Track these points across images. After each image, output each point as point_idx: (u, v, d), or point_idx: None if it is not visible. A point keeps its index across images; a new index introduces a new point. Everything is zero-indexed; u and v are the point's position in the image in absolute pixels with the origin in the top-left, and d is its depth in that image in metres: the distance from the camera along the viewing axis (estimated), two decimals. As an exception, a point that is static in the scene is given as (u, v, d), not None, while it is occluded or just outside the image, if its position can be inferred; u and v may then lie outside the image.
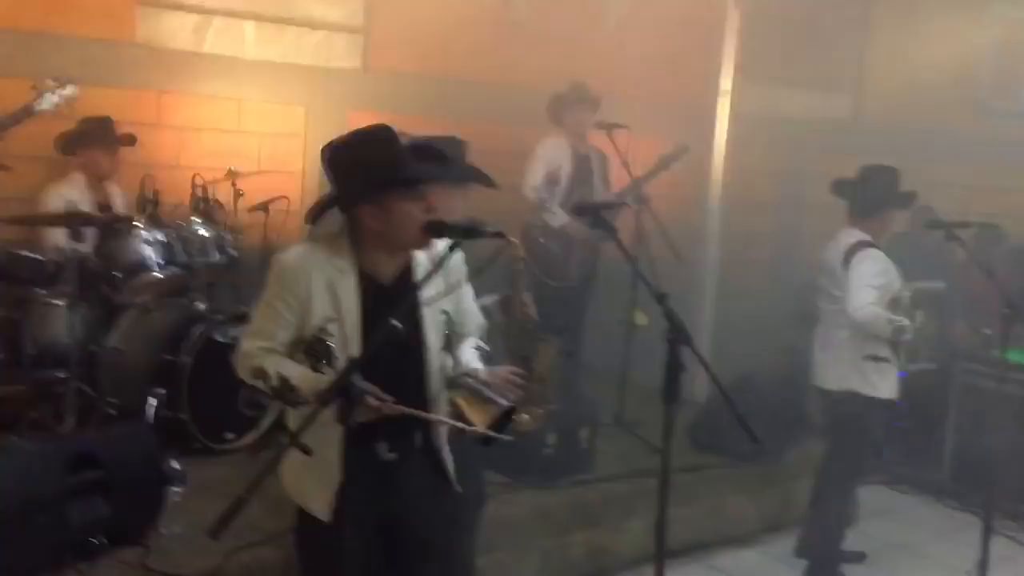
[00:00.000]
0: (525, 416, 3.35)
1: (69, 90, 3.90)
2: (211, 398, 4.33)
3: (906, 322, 4.10)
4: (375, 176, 2.44)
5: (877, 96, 7.78)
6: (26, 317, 4.36)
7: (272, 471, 2.20)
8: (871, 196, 4.19)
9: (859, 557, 4.65)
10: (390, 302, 2.39)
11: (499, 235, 2.55)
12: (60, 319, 4.29)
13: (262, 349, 2.49)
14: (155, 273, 4.37)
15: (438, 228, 2.48)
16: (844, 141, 6.83)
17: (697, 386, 5.25)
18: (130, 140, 4.90)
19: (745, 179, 6.46)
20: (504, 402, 2.54)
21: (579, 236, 5.23)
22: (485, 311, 3.42)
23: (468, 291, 2.79)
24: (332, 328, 2.46)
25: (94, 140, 4.77)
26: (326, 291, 2.46)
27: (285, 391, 2.35)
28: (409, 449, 2.57)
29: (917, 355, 4.36)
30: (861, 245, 4.13)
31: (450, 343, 2.64)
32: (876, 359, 4.15)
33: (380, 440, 2.52)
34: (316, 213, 2.53)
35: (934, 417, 5.66)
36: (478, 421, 2.46)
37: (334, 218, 2.57)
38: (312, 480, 2.51)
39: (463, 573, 2.79)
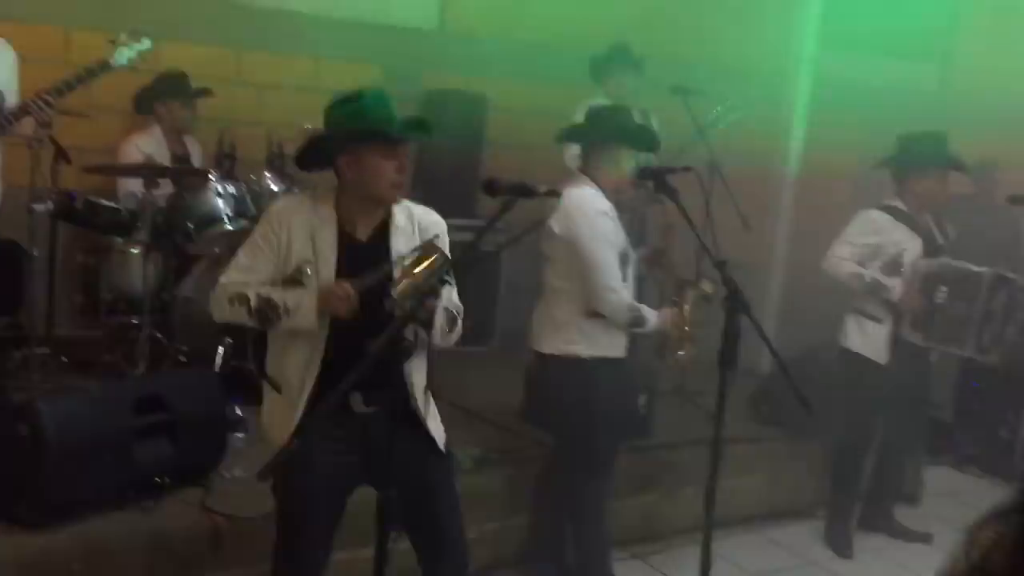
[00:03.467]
0: (681, 352, 3.67)
1: (144, 44, 3.97)
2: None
3: (885, 282, 4.11)
4: (354, 128, 2.60)
5: (966, 67, 7.49)
6: (103, 264, 4.54)
7: (314, 420, 2.26)
8: (900, 162, 4.20)
9: (926, 538, 4.56)
10: (364, 256, 2.62)
11: (553, 193, 2.55)
12: (135, 267, 4.44)
13: (240, 281, 2.68)
14: (227, 225, 4.47)
15: (489, 186, 2.51)
16: (930, 113, 6.61)
17: (762, 357, 5.17)
18: (206, 93, 5.00)
19: (824, 149, 6.30)
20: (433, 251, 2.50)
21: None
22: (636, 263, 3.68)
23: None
24: (308, 269, 2.63)
25: (170, 94, 4.89)
26: (307, 237, 2.64)
27: (265, 307, 2.57)
28: (386, 404, 2.60)
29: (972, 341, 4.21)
30: (875, 208, 4.23)
31: None
32: (863, 314, 4.22)
33: (355, 392, 2.57)
34: (302, 159, 2.75)
35: (1008, 399, 5.51)
36: (414, 271, 2.43)
37: None
38: (280, 416, 2.65)
39: (439, 533, 2.80)
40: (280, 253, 2.64)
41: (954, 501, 5.12)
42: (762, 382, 5.03)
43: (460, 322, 2.73)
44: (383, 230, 2.70)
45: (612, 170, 3.47)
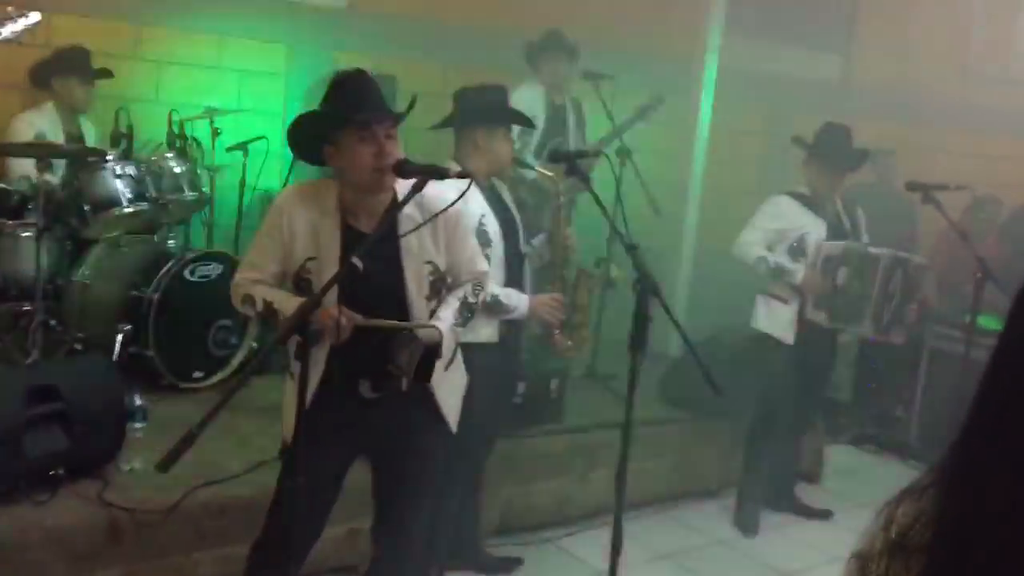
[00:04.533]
0: (568, 342, 3.57)
1: (32, 18, 3.79)
2: (180, 336, 4.31)
3: (789, 266, 4.25)
4: (327, 112, 2.55)
5: (868, 58, 7.70)
6: (-7, 248, 4.31)
7: (222, 408, 2.18)
8: (815, 146, 4.32)
9: (825, 515, 4.70)
10: (369, 250, 2.43)
11: (465, 175, 2.51)
12: (27, 251, 4.22)
13: (251, 280, 2.65)
14: (125, 208, 4.30)
15: (400, 167, 2.48)
16: (834, 102, 6.78)
17: (671, 340, 5.25)
18: (106, 74, 4.79)
19: (731, 136, 6.41)
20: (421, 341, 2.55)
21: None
22: (535, 250, 3.63)
23: (463, 237, 2.76)
24: (312, 266, 2.57)
25: (69, 71, 4.66)
26: (309, 231, 2.57)
27: (269, 315, 2.60)
28: (395, 390, 2.57)
29: (863, 319, 4.35)
30: (783, 194, 4.36)
31: (437, 291, 2.67)
32: (771, 296, 4.37)
33: (363, 378, 2.59)
34: (294, 147, 2.64)
35: (903, 379, 5.72)
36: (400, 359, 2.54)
37: None
38: (289, 405, 2.57)
39: (422, 503, 2.79)
40: (284, 248, 2.59)
41: (853, 479, 5.30)
42: (671, 365, 5.09)
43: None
44: (390, 220, 2.56)
45: (483, 155, 3.33)
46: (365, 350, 2.50)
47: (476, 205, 3.22)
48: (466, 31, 5.88)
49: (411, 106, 2.58)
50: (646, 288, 2.82)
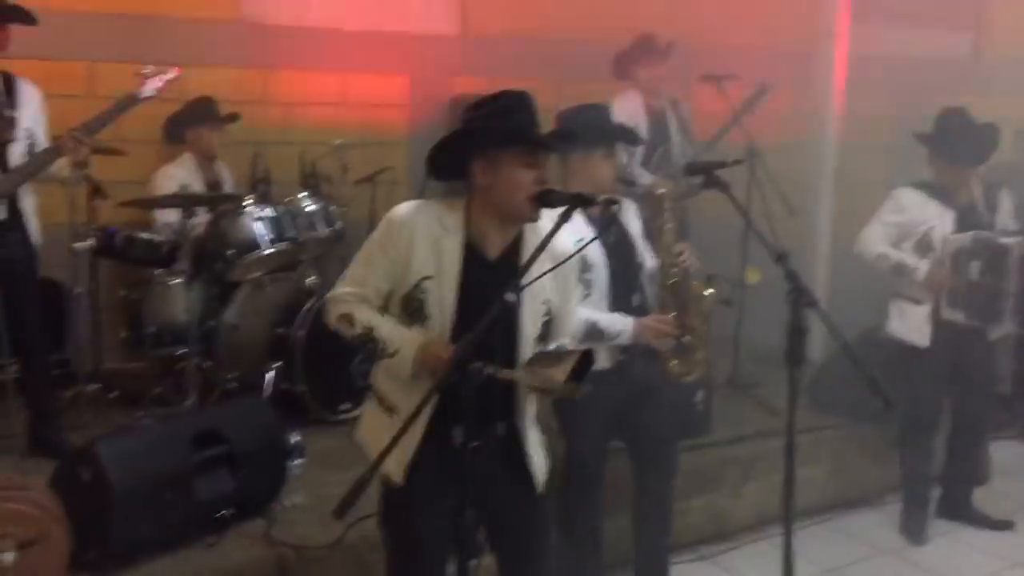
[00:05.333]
0: (674, 361, 3.34)
1: (171, 75, 3.93)
2: (325, 369, 4.40)
3: (910, 262, 4.01)
4: (492, 127, 2.38)
5: (998, 33, 7.31)
6: (145, 297, 4.52)
7: (391, 449, 2.18)
8: (935, 140, 4.09)
9: (1006, 525, 4.41)
10: (491, 277, 2.35)
11: (612, 202, 2.46)
12: (177, 297, 4.43)
13: (353, 295, 2.48)
14: (265, 249, 4.44)
15: (547, 197, 2.39)
16: (964, 81, 6.46)
17: (813, 344, 5.08)
18: (234, 118, 4.97)
19: (860, 125, 6.17)
20: (574, 350, 2.41)
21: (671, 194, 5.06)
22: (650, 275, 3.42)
23: (574, 286, 2.65)
24: (429, 285, 2.41)
25: (199, 120, 4.86)
26: (430, 248, 2.41)
27: (367, 341, 2.39)
28: (490, 439, 2.44)
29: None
30: (906, 186, 4.13)
31: (545, 336, 2.52)
32: (902, 297, 4.14)
33: (458, 425, 2.34)
34: (436, 164, 2.46)
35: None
36: (554, 377, 2.32)
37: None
38: (382, 436, 2.36)
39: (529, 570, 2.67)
40: (399, 264, 2.40)
41: (1023, 476, 5.00)
42: (818, 370, 4.92)
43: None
44: (515, 249, 2.45)
45: (582, 179, 3.16)
46: (461, 396, 2.23)
47: (574, 230, 3.01)
48: (576, 45, 5.84)
49: (571, 135, 2.49)
50: (801, 299, 2.72)
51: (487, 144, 2.37)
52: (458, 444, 2.30)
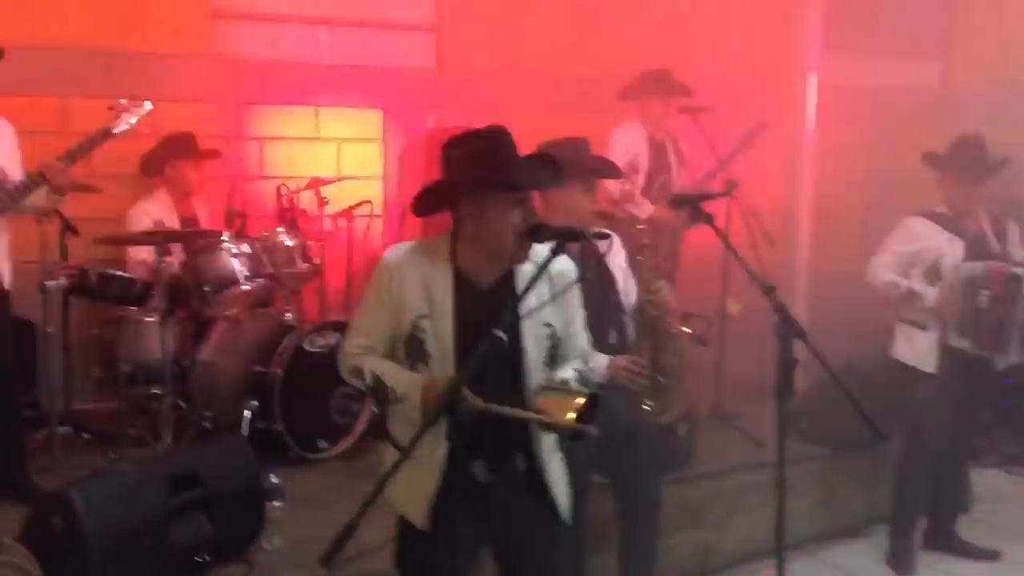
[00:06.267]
0: (649, 403, 3.30)
1: (145, 108, 3.88)
2: (303, 407, 4.33)
3: (920, 289, 4.03)
4: (474, 174, 2.36)
5: (967, 63, 7.42)
6: (119, 335, 4.42)
7: (379, 492, 2.13)
8: (945, 165, 4.12)
9: (992, 555, 4.39)
10: (486, 306, 2.35)
11: (603, 236, 2.43)
12: (152, 335, 4.33)
13: (360, 347, 2.50)
14: (243, 285, 4.37)
15: (537, 232, 2.37)
16: (935, 111, 6.54)
17: (797, 373, 5.05)
18: (213, 154, 4.92)
19: (836, 155, 6.21)
20: (584, 390, 2.39)
21: (666, 226, 5.08)
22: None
23: (577, 306, 2.61)
24: (425, 325, 2.41)
25: (178, 155, 4.79)
26: (421, 286, 2.42)
27: (379, 389, 2.40)
28: (510, 471, 2.45)
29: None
30: (916, 215, 4.14)
31: (553, 359, 2.50)
32: (909, 323, 4.15)
33: (478, 459, 2.42)
34: (419, 204, 2.46)
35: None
36: (561, 415, 2.31)
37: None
38: (411, 487, 2.43)
39: None
40: (394, 309, 2.42)
41: (1005, 506, 5.00)
42: (803, 399, 4.89)
43: None
44: (508, 276, 2.44)
45: (559, 212, 3.13)
46: (479, 429, 2.28)
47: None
48: (551, 81, 5.85)
49: (557, 172, 2.47)
50: (789, 332, 2.71)
51: (470, 191, 2.36)
52: (479, 479, 2.34)
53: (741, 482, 4.23)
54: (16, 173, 3.77)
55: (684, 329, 3.33)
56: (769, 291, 2.76)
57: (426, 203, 2.44)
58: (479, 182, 2.34)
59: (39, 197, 3.74)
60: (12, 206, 3.72)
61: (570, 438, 2.40)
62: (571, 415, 2.28)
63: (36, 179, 3.67)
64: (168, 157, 4.79)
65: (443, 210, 2.46)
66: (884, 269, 4.12)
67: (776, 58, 5.97)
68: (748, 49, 6.13)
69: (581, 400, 2.30)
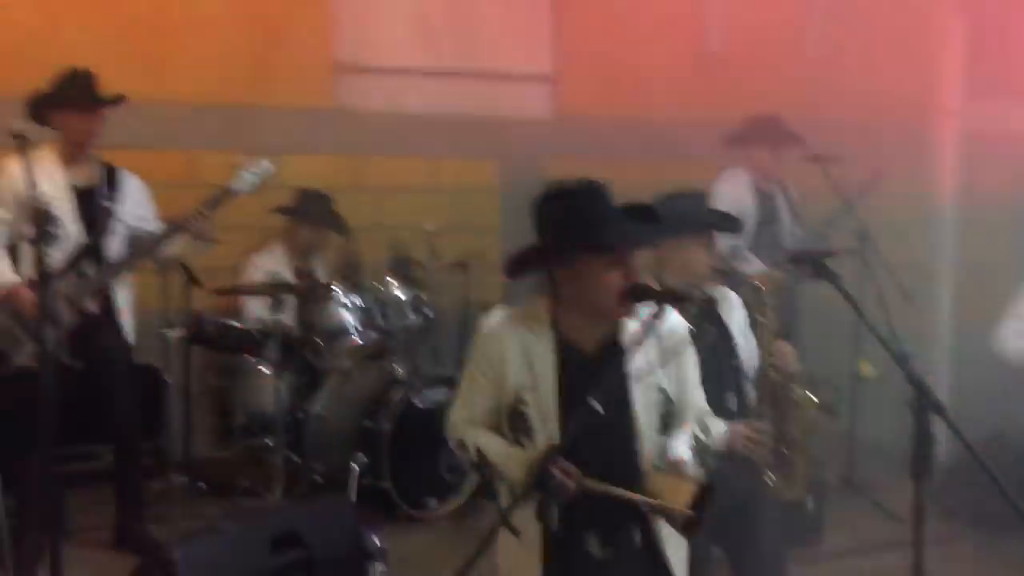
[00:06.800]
0: (772, 476, 3.08)
1: (264, 166, 3.92)
2: (411, 463, 4.26)
3: None
4: (565, 237, 2.26)
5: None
6: (235, 385, 4.48)
7: (484, 551, 2.02)
8: None
9: None
10: (592, 373, 2.22)
11: (709, 301, 2.27)
12: (266, 386, 4.37)
13: (465, 420, 2.45)
14: (354, 338, 4.36)
15: (639, 293, 2.25)
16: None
17: (938, 445, 4.68)
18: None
19: (977, 204, 5.82)
20: (699, 479, 2.24)
21: (781, 285, 4.80)
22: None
23: (691, 365, 2.47)
24: (528, 397, 2.31)
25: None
26: (522, 358, 2.32)
27: (482, 465, 2.35)
28: (626, 547, 2.31)
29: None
30: None
31: (667, 425, 2.36)
32: None
33: (591, 533, 2.29)
34: (513, 268, 2.38)
35: None
36: (673, 501, 2.17)
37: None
38: (518, 561, 2.35)
39: None
40: (495, 381, 2.35)
41: None
42: (945, 472, 4.52)
43: None
44: (613, 340, 2.33)
45: (675, 269, 2.97)
46: (592, 501, 2.22)
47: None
48: (673, 127, 5.68)
49: (659, 227, 2.34)
50: (927, 405, 2.47)
51: (566, 251, 2.25)
52: (593, 554, 2.25)
53: (875, 562, 3.91)
54: (151, 225, 3.91)
55: (811, 397, 3.09)
56: (903, 360, 2.53)
57: (520, 266, 2.35)
58: (570, 245, 2.23)
59: (174, 246, 3.87)
60: (149, 255, 3.85)
61: (682, 529, 2.22)
62: (685, 501, 2.12)
63: (175, 228, 3.77)
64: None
65: (538, 271, 2.36)
66: (1011, 337, 3.81)
67: (913, 101, 5.65)
68: (881, 92, 5.83)
69: (695, 487, 2.14)
